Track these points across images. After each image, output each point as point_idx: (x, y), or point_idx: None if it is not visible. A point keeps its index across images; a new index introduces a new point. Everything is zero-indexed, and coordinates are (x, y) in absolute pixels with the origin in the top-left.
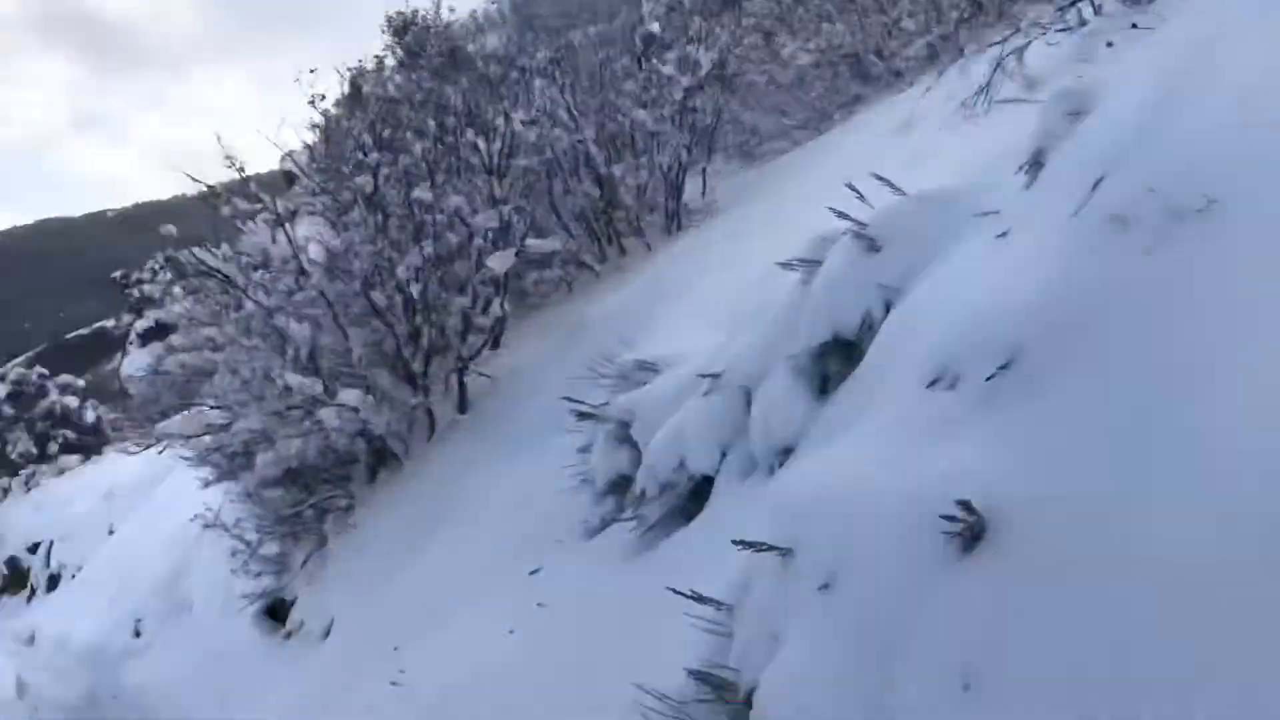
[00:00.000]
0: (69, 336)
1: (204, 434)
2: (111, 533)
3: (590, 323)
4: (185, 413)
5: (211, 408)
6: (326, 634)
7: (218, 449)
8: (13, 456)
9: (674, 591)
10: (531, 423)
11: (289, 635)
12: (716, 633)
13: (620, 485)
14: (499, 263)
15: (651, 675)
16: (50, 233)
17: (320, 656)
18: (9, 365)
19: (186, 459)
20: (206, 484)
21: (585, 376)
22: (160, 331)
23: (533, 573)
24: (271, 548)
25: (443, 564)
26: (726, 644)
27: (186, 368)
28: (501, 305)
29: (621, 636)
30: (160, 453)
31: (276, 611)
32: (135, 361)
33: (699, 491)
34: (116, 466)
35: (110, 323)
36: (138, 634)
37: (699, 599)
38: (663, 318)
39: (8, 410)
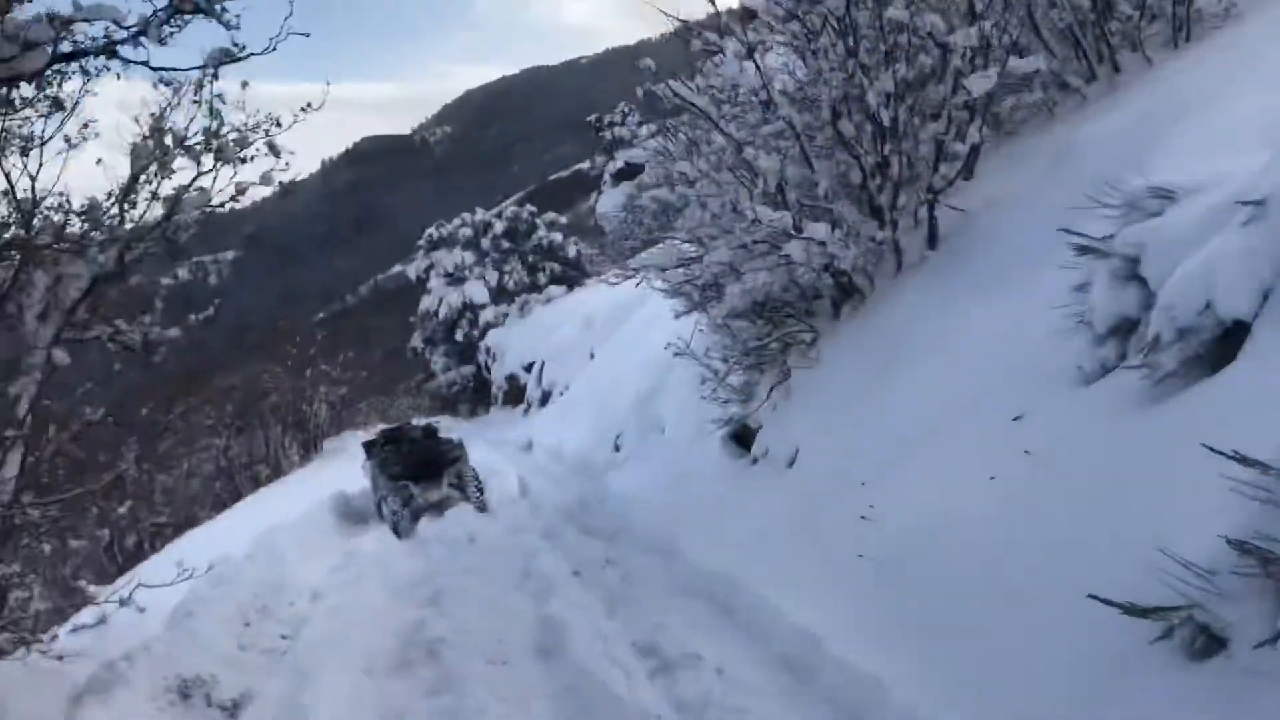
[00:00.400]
0: (551, 178)
1: (676, 266)
2: (592, 357)
3: (1079, 149)
4: (660, 246)
5: (683, 241)
6: (791, 463)
7: (689, 281)
8: (508, 286)
9: (1210, 449)
10: (1009, 258)
11: (755, 461)
12: (1261, 499)
13: (1124, 328)
14: (979, 84)
15: (1166, 539)
16: (533, 82)
17: (786, 483)
18: (504, 204)
19: (661, 290)
20: (678, 315)
21: (1081, 207)
22: (630, 172)
23: (1015, 419)
24: (738, 377)
25: (910, 403)
26: (1275, 513)
27: (659, 202)
28: (979, 131)
29: (1125, 494)
30: (637, 284)
31: (742, 437)
32: (608, 200)
33: (1229, 338)
34: (595, 297)
35: (586, 165)
36: (617, 449)
37: (1242, 460)
38: (1174, 140)
39: (505, 244)
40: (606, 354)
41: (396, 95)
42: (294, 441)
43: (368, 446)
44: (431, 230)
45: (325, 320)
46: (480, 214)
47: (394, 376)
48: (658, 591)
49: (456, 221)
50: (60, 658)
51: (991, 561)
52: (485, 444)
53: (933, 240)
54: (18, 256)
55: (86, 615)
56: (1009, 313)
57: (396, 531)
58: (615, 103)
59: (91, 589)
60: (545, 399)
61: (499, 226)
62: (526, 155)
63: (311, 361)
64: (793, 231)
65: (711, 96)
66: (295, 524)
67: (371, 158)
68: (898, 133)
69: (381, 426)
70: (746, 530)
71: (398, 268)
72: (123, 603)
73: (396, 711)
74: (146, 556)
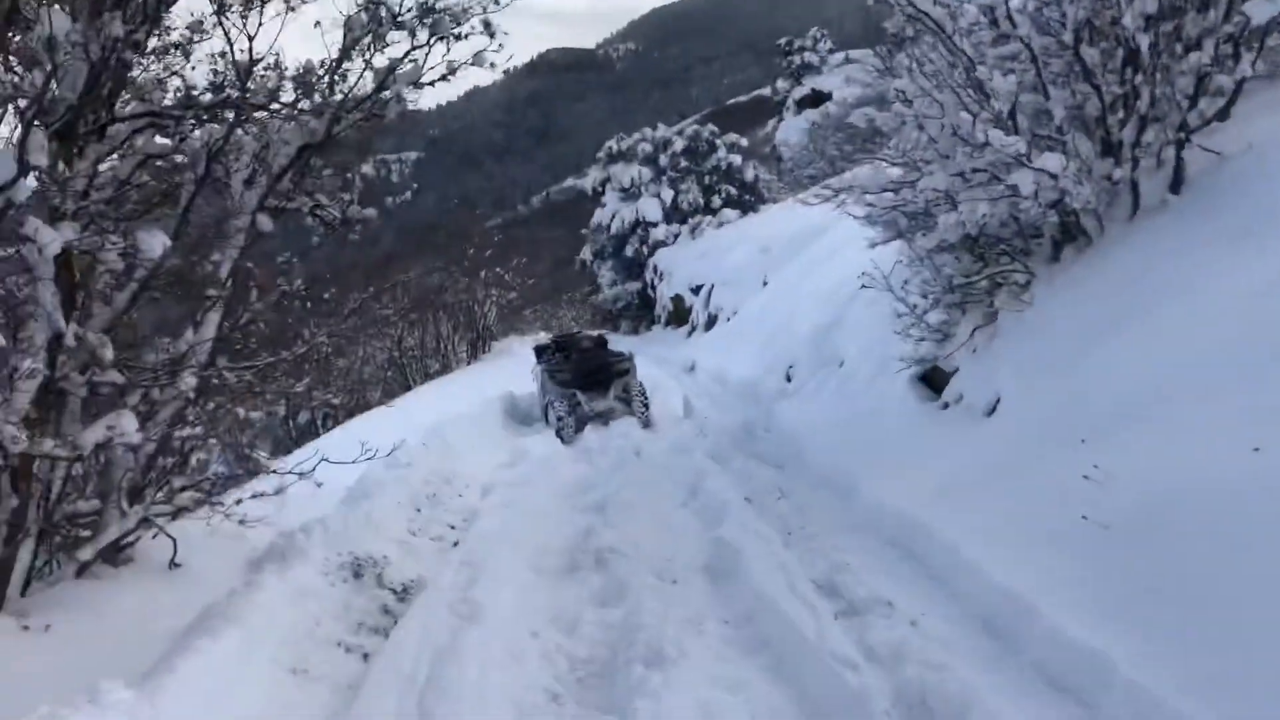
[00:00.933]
0: (729, 102)
1: (884, 191)
2: (765, 284)
3: None
4: (867, 167)
5: (891, 165)
6: (991, 411)
7: (896, 207)
8: (682, 206)
9: None
10: (1272, 207)
11: (946, 406)
12: None
13: None
14: (1261, 10)
15: None
16: (721, 3)
17: (984, 432)
18: (683, 124)
19: (858, 217)
20: (874, 244)
21: None
22: (815, 99)
23: None
24: (936, 315)
25: (1144, 358)
26: None
27: (867, 120)
28: (1253, 65)
29: None
30: (836, 206)
31: (933, 380)
32: (790, 128)
33: None
34: (772, 223)
35: (766, 91)
36: (788, 379)
37: None
38: None
39: (682, 163)
40: (781, 282)
41: (584, 8)
42: (463, 339)
43: (538, 350)
44: (611, 143)
45: (498, 227)
46: (661, 130)
47: (559, 287)
48: (836, 528)
49: (636, 136)
50: (242, 522)
51: (1261, 544)
52: (647, 360)
53: (1177, 184)
54: (232, 116)
55: (265, 484)
56: (1271, 267)
57: (560, 437)
58: (803, 29)
59: (267, 460)
60: (711, 323)
61: (678, 144)
62: (706, 78)
63: (486, 263)
64: (1024, 160)
65: (948, 9)
66: (465, 418)
67: (554, 70)
68: (1151, 62)
69: (545, 333)
70: (935, 477)
71: (570, 181)
72: (302, 475)
73: (568, 617)
74: (318, 434)
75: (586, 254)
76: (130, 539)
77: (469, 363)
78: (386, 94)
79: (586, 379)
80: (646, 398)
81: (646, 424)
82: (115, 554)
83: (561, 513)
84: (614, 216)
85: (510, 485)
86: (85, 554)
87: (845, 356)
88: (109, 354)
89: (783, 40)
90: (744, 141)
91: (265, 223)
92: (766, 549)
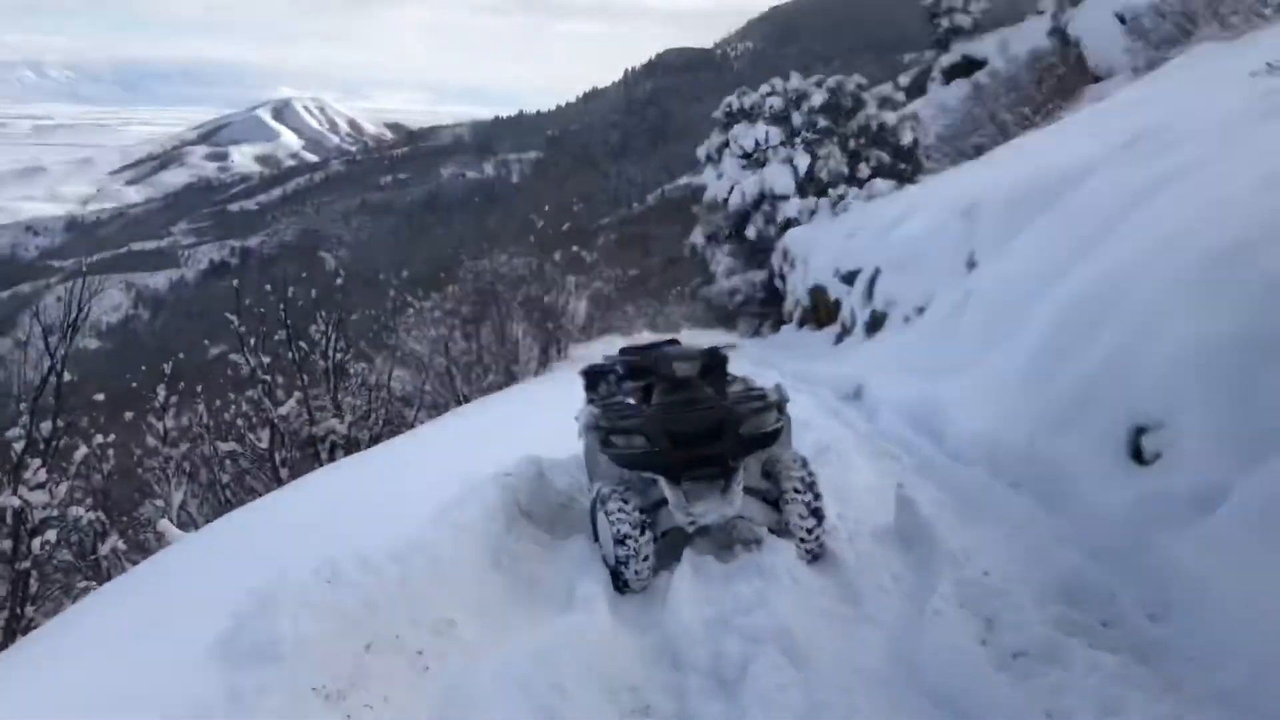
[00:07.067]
0: None
1: None
2: (972, 265)
3: None
4: None
5: None
6: None
7: None
8: (820, 175)
9: None
10: None
11: None
12: None
13: None
14: None
15: None
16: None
17: None
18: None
19: None
20: None
21: None
22: (967, 67)
23: None
24: None
25: None
26: None
27: None
28: None
29: None
30: None
31: None
32: (939, 97)
33: None
34: (970, 177)
35: (887, 88)
36: (1138, 455)
37: None
38: None
39: (821, 122)
40: (1017, 261)
41: (703, 8)
42: (536, 341)
43: (589, 378)
44: (731, 99)
45: (610, 224)
46: (795, 80)
47: (669, 283)
48: None
49: (764, 89)
50: None
51: None
52: (779, 380)
53: None
54: None
55: None
56: None
57: (619, 582)
58: (925, 31)
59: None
60: (877, 323)
61: (817, 98)
62: (825, 76)
63: (562, 243)
64: None
65: None
66: (400, 550)
67: (672, 70)
68: None
69: (643, 337)
70: None
71: (685, 179)
72: None
73: None
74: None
75: (697, 237)
76: None
77: (538, 373)
78: None
79: (684, 448)
80: (817, 491)
81: (816, 554)
82: None
83: None
84: (733, 189)
85: None
86: None
87: None
88: None
89: (929, 0)
90: (900, 95)
91: None
92: None
